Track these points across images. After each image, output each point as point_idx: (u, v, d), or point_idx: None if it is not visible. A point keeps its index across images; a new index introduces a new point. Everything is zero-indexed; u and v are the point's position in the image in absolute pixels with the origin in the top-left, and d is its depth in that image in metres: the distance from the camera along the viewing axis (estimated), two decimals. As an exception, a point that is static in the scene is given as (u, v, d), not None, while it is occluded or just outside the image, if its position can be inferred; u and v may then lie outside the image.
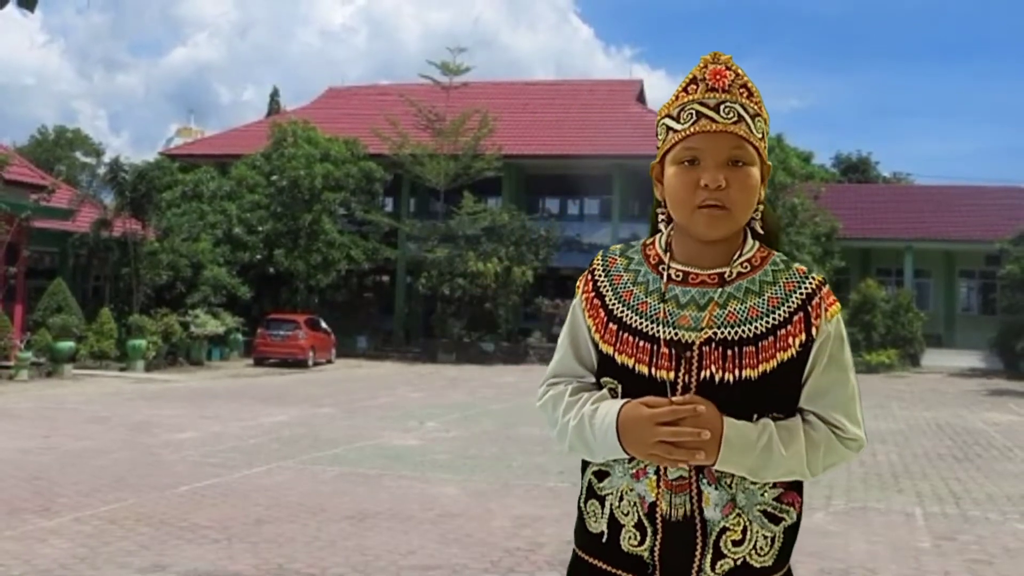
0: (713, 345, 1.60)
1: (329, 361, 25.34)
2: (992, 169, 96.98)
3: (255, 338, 24.37)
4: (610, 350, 1.65)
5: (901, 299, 28.63)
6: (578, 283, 1.77)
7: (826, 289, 1.66)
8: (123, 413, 12.70)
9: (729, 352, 1.59)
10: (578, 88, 36.68)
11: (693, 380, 1.59)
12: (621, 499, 1.63)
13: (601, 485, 1.66)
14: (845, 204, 31.74)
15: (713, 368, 1.58)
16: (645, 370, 1.61)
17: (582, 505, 1.70)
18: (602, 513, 1.65)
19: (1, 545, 5.59)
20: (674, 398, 1.56)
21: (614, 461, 1.64)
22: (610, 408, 1.60)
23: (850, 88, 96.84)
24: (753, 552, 1.60)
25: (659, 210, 1.76)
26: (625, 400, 1.60)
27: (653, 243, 1.74)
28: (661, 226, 1.75)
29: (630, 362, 1.62)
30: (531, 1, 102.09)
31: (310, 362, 24.00)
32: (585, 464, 1.71)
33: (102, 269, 23.43)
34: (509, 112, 31.67)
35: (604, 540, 1.64)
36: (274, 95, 44.92)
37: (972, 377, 25.85)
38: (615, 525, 1.63)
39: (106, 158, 24.40)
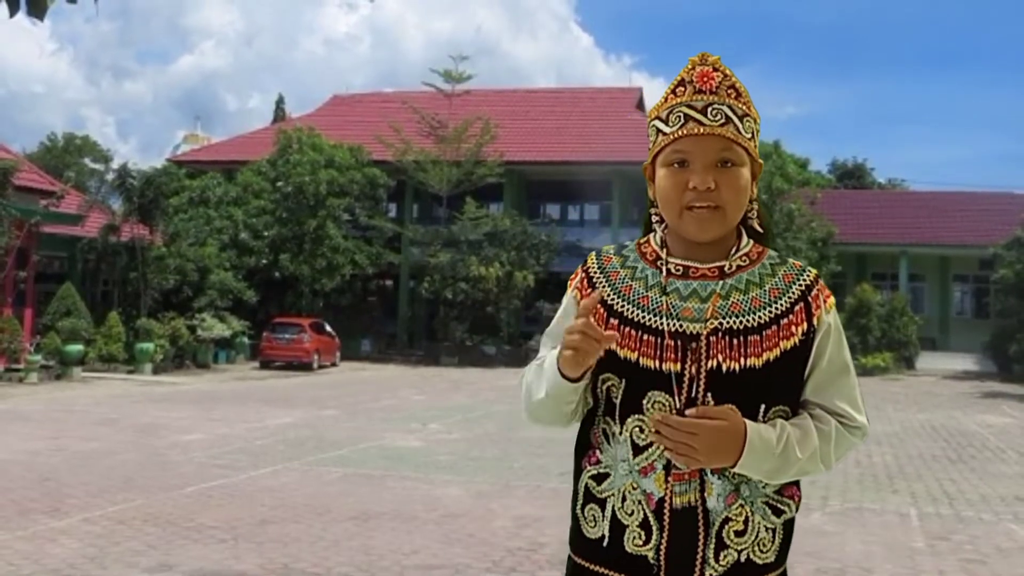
0: (720, 335, 1.59)
1: (333, 364, 25.46)
2: (986, 175, 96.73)
3: (261, 341, 24.50)
4: (612, 345, 1.61)
5: (896, 303, 28.63)
6: (571, 280, 1.75)
7: (822, 282, 1.69)
8: (131, 415, 12.79)
9: (735, 341, 1.59)
10: (578, 96, 36.69)
11: (703, 370, 1.58)
12: (624, 499, 1.60)
13: (601, 488, 1.62)
14: (841, 210, 31.70)
15: (720, 357, 1.58)
16: (650, 363, 1.59)
17: (579, 511, 1.66)
18: (603, 516, 1.62)
19: (12, 545, 5.67)
20: (688, 411, 1.55)
21: (620, 461, 1.61)
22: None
23: (846, 96, 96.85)
24: (756, 547, 1.60)
25: (652, 210, 1.75)
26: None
27: (648, 241, 1.73)
28: (655, 226, 1.74)
29: (633, 356, 1.60)
30: (532, 10, 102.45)
31: (315, 365, 24.12)
32: (579, 470, 1.67)
33: (110, 273, 23.51)
34: (511, 119, 31.74)
35: (605, 544, 1.61)
36: (279, 102, 45.05)
37: (966, 380, 25.81)
38: (618, 527, 1.60)
39: (114, 164, 24.29)
